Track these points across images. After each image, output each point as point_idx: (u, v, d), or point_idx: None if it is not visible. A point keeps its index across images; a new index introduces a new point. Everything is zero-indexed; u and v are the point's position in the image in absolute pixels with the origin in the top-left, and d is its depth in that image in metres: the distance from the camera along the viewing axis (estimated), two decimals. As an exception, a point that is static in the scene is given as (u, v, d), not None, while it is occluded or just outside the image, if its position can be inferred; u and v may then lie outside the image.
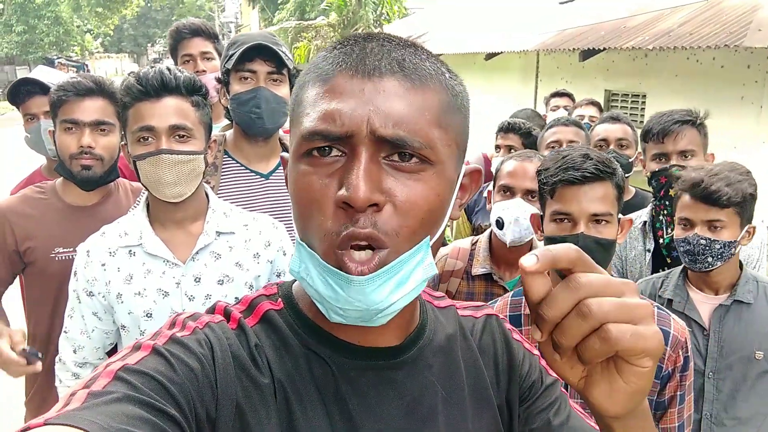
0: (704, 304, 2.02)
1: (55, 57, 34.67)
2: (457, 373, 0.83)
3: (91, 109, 2.05)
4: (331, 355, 0.75)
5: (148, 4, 48.06)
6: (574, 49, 7.19)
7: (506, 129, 3.21)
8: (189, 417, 0.65)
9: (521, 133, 3.12)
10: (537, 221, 1.75)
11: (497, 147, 3.27)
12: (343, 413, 0.73)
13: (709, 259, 1.90)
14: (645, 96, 7.06)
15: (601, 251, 1.59)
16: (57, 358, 1.81)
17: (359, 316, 0.69)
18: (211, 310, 0.79)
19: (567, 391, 0.97)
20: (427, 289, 0.88)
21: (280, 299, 0.80)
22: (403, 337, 0.80)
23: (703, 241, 1.89)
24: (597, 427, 0.90)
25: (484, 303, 0.99)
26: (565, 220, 1.61)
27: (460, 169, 0.76)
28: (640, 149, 3.04)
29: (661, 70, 6.65)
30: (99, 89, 2.07)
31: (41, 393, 2.19)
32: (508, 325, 0.95)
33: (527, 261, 0.57)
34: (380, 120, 0.65)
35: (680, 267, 2.11)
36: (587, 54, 7.21)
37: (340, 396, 0.74)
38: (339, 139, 0.66)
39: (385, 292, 0.67)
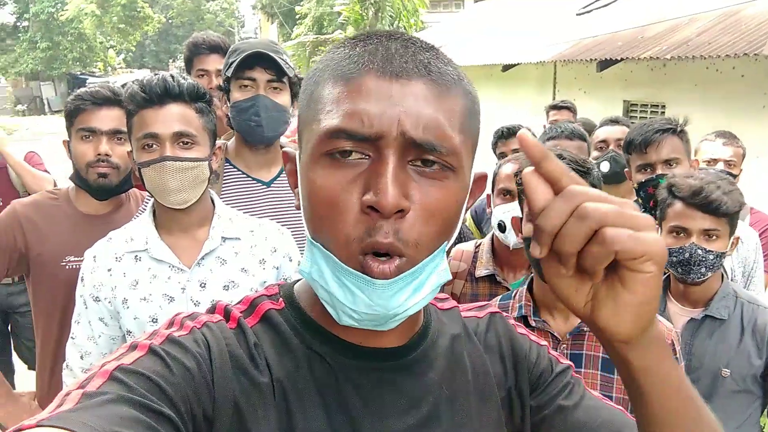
0: (681, 316, 1.98)
1: (79, 73, 35.32)
2: (461, 374, 0.82)
3: (109, 117, 2.06)
4: (332, 355, 0.74)
5: (169, 21, 48.77)
6: (591, 59, 7.15)
7: (506, 135, 3.36)
8: (185, 417, 0.64)
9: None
10: (517, 223, 1.76)
11: (502, 154, 3.33)
12: (344, 413, 0.72)
13: (703, 270, 1.86)
14: (665, 106, 6.98)
15: None
16: (64, 365, 1.80)
17: (372, 320, 0.68)
18: (212, 310, 0.79)
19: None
20: None
21: (281, 299, 0.80)
22: (407, 339, 0.79)
23: (700, 251, 1.83)
24: (618, 408, 0.87)
25: (486, 303, 0.98)
26: None
27: (471, 173, 0.75)
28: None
29: (681, 79, 6.59)
30: (116, 99, 2.08)
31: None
32: (511, 321, 0.93)
33: (525, 133, 0.59)
34: (411, 122, 0.64)
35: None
36: (605, 64, 7.18)
37: (341, 396, 0.73)
38: (366, 140, 0.64)
39: (403, 297, 0.66)
